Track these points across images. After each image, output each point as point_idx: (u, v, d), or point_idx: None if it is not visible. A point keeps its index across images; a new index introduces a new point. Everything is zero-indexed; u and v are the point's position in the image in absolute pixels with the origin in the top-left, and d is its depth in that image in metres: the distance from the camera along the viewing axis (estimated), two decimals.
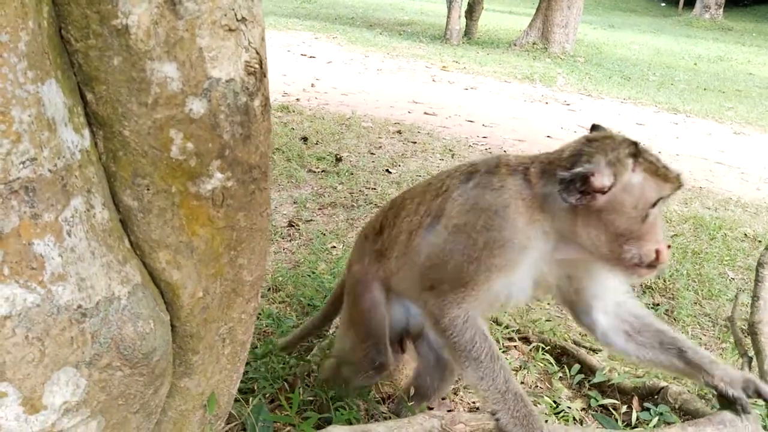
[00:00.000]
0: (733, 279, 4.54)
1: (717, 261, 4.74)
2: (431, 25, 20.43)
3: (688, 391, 2.62)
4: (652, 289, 4.22)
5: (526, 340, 3.26)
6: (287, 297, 3.64)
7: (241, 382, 2.47)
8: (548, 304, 3.76)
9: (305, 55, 13.25)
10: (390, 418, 2.51)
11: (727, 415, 1.95)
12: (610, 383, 2.87)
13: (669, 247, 1.86)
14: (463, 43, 17.40)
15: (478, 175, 2.06)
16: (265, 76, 1.43)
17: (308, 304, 3.51)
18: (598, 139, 1.89)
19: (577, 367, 3.02)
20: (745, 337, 2.82)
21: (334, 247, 4.49)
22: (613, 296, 2.17)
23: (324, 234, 4.69)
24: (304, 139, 6.96)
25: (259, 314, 3.32)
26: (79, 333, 1.18)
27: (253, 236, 1.50)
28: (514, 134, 8.38)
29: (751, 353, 2.75)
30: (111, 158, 1.30)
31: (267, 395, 2.49)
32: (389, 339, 2.43)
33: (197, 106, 1.29)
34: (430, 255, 2.08)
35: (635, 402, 2.73)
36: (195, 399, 1.54)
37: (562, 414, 2.66)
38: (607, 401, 2.77)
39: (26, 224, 1.10)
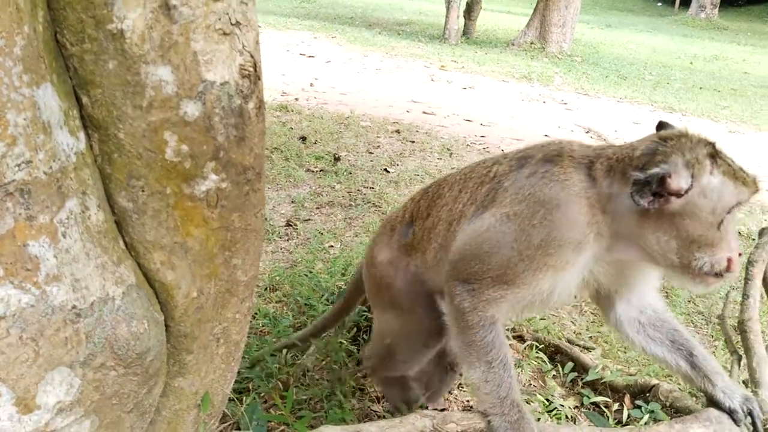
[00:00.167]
0: None
1: None
2: (430, 25, 20.44)
3: (679, 389, 2.64)
4: None
5: (520, 338, 3.28)
6: (284, 296, 3.66)
7: (236, 381, 2.50)
8: None
9: (304, 54, 13.25)
10: (384, 417, 2.53)
11: (713, 412, 1.97)
12: (602, 381, 2.90)
13: (740, 255, 1.75)
14: (462, 42, 17.42)
15: (533, 162, 1.91)
16: (259, 79, 1.45)
17: (305, 304, 3.52)
18: (673, 138, 1.75)
19: (570, 365, 3.04)
20: (736, 334, 2.84)
21: (332, 246, 4.50)
22: (639, 287, 2.09)
23: (322, 233, 4.70)
24: (303, 138, 6.98)
25: (256, 314, 3.34)
26: (74, 333, 1.20)
27: (247, 237, 1.51)
28: (512, 133, 8.40)
29: (741, 351, 2.78)
30: (106, 160, 1.31)
31: (261, 395, 2.51)
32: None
33: (192, 109, 1.30)
34: (472, 245, 1.91)
35: (627, 400, 2.76)
36: (189, 398, 1.55)
37: (554, 412, 2.68)
38: (599, 399, 2.80)
39: (21, 226, 1.12)
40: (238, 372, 2.54)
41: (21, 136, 1.10)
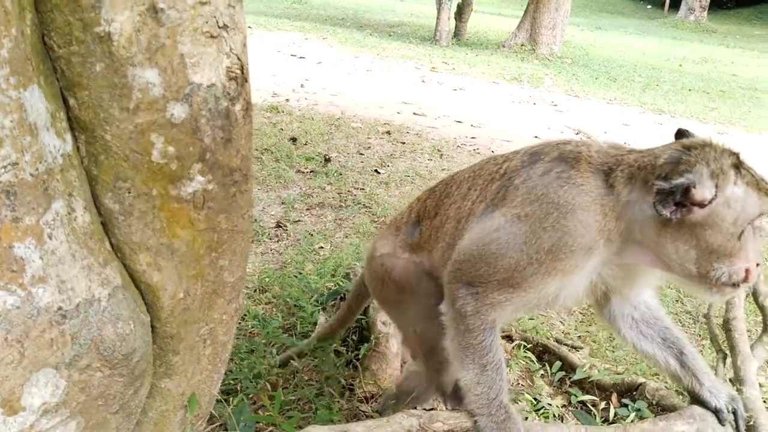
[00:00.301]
0: None
1: None
2: (421, 27, 20.48)
3: (666, 387, 2.67)
4: None
5: (509, 338, 3.30)
6: (273, 298, 3.66)
7: (224, 383, 2.50)
8: None
9: (295, 55, 13.25)
10: (373, 417, 2.54)
11: (697, 409, 2.00)
12: (590, 380, 2.92)
13: (758, 265, 1.73)
14: (453, 44, 17.47)
15: (546, 159, 1.87)
16: (246, 81, 1.46)
17: (294, 305, 3.52)
18: (696, 147, 1.71)
19: (558, 364, 3.07)
20: (722, 333, 2.88)
21: (322, 247, 4.51)
22: (639, 286, 2.07)
23: (312, 234, 4.71)
24: (293, 139, 6.98)
25: (245, 315, 3.35)
26: (59, 334, 1.20)
27: (234, 238, 1.52)
28: (502, 134, 8.44)
29: (726, 349, 2.82)
30: (93, 162, 1.32)
31: (250, 396, 2.51)
32: None
33: (178, 111, 1.31)
34: (479, 245, 1.86)
35: (614, 398, 2.79)
36: (176, 399, 1.56)
37: (542, 411, 2.70)
38: (586, 398, 2.82)
39: (7, 227, 1.12)
40: (227, 373, 2.55)
41: (7, 138, 1.10)
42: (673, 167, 1.67)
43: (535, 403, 2.76)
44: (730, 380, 2.67)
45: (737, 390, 2.50)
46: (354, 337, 3.18)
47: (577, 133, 8.90)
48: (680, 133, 1.95)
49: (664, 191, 1.64)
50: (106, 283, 1.30)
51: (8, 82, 1.11)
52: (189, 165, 1.35)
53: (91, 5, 1.19)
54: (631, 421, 2.54)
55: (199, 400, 1.63)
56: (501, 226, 1.82)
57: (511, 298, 1.82)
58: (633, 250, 1.81)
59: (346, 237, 4.74)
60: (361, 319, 3.16)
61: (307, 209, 5.25)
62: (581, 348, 3.33)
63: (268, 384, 2.61)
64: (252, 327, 3.26)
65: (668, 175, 1.65)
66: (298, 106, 8.67)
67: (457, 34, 18.23)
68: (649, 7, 38.39)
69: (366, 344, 2.99)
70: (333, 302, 3.56)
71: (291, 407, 2.46)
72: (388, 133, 7.79)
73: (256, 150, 6.43)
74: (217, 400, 2.10)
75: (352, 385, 2.81)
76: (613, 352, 3.37)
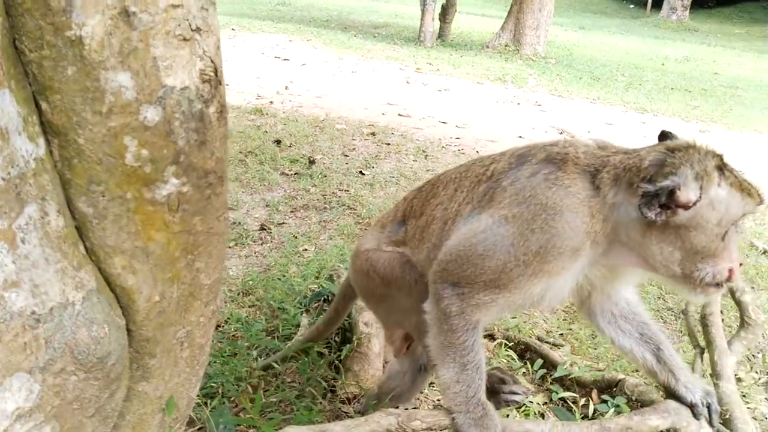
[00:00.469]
0: None
1: None
2: (405, 28, 20.52)
3: (645, 383, 2.70)
4: None
5: (491, 336, 3.32)
6: (257, 301, 3.66)
7: (205, 386, 2.50)
8: None
9: (279, 57, 13.22)
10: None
11: (672, 404, 2.03)
12: (571, 377, 2.95)
13: (741, 264, 1.76)
14: (437, 45, 17.52)
15: (534, 161, 1.87)
16: (220, 84, 1.46)
17: (278, 308, 3.52)
18: (681, 149, 1.72)
19: (540, 362, 3.09)
20: (699, 328, 2.93)
21: (306, 249, 4.51)
22: (620, 283, 2.09)
23: (296, 237, 4.71)
24: (278, 141, 6.97)
25: (228, 318, 3.34)
26: (33, 339, 1.20)
27: (210, 240, 1.53)
28: (487, 135, 8.48)
29: (704, 344, 2.86)
30: (66, 166, 1.32)
31: (231, 399, 2.51)
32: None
33: (151, 114, 1.31)
34: (466, 246, 1.86)
35: (594, 395, 2.81)
36: (153, 403, 1.56)
37: (523, 408, 2.73)
38: (567, 395, 2.85)
39: None
40: (208, 376, 2.55)
41: None
42: (658, 169, 1.68)
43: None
44: (711, 375, 2.72)
45: (714, 384, 2.55)
46: (336, 338, 3.18)
47: (561, 133, 8.97)
48: (664, 135, 1.97)
49: (649, 194, 1.66)
50: (81, 286, 1.30)
51: None
52: (163, 168, 1.35)
53: (62, 9, 1.19)
54: (609, 417, 2.57)
55: (177, 402, 1.63)
56: (488, 227, 1.83)
57: (496, 299, 1.83)
58: (619, 251, 1.83)
59: (331, 239, 4.74)
60: (344, 320, 3.16)
61: (292, 211, 5.25)
62: (562, 345, 3.36)
63: (249, 387, 2.61)
64: (235, 330, 3.25)
65: (653, 177, 1.67)
66: (283, 108, 8.66)
67: (441, 35, 18.29)
68: (631, 6, 38.76)
69: (348, 345, 3.00)
70: (316, 304, 3.57)
71: (272, 409, 2.46)
72: (373, 134, 7.80)
73: (240, 153, 6.42)
74: (198, 404, 2.10)
75: (334, 386, 2.82)
76: (595, 349, 3.40)
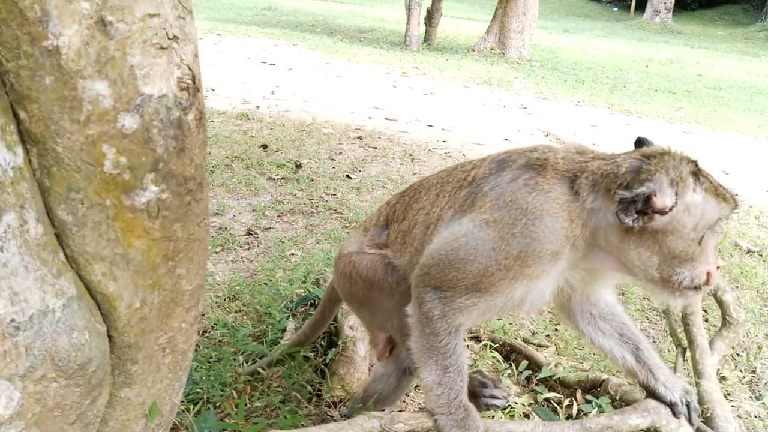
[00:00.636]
0: None
1: None
2: (391, 32, 20.59)
3: (628, 383, 2.73)
4: None
5: (476, 338, 3.35)
6: (244, 306, 3.66)
7: (191, 392, 2.50)
8: None
9: (265, 62, 13.22)
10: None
11: (651, 402, 2.06)
12: (555, 378, 2.98)
13: (718, 268, 1.80)
14: (423, 49, 17.60)
15: (514, 166, 1.90)
16: (198, 91, 1.48)
17: (265, 313, 3.53)
18: (656, 155, 1.76)
19: (525, 363, 3.12)
20: (681, 328, 2.96)
21: (293, 254, 4.52)
22: (599, 286, 2.12)
23: (283, 241, 4.71)
24: (264, 146, 6.97)
25: (214, 324, 3.34)
26: (13, 346, 1.20)
27: (191, 246, 1.53)
28: (473, 138, 8.53)
29: (685, 344, 2.90)
30: (45, 174, 1.32)
31: (217, 404, 2.51)
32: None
33: (129, 122, 1.32)
34: (448, 250, 1.88)
35: (578, 395, 2.84)
36: (136, 409, 1.56)
37: (508, 409, 2.75)
38: (552, 395, 2.88)
39: None
40: (194, 382, 2.55)
41: None
42: (634, 176, 1.71)
43: None
44: (696, 373, 2.75)
45: (696, 383, 2.58)
46: (322, 342, 3.19)
47: (547, 135, 9.04)
48: (639, 142, 2.01)
49: (626, 200, 1.69)
50: (61, 293, 1.31)
51: None
52: (142, 175, 1.36)
53: (38, 19, 1.20)
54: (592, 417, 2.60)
55: (160, 408, 1.64)
56: (469, 231, 1.85)
57: (478, 302, 1.85)
58: (598, 256, 1.86)
59: (318, 243, 4.75)
60: (330, 324, 3.17)
61: (278, 216, 5.26)
62: (548, 347, 3.39)
63: (234, 392, 2.61)
64: (221, 335, 3.25)
65: (629, 184, 1.70)
66: (269, 113, 8.66)
67: (427, 38, 18.38)
68: (615, 9, 39.16)
69: (334, 349, 3.01)
70: (303, 308, 3.58)
71: (257, 414, 2.46)
72: (360, 138, 7.82)
73: (227, 158, 6.42)
74: (183, 409, 2.11)
75: (320, 390, 2.83)
76: (581, 350, 3.44)
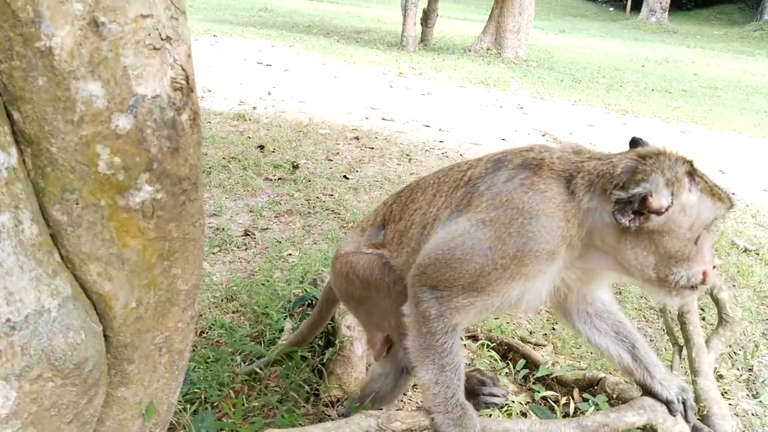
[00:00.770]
0: None
1: None
2: (387, 33, 20.62)
3: (625, 381, 2.74)
4: None
5: (474, 338, 3.36)
6: (241, 306, 3.66)
7: (189, 392, 2.50)
8: None
9: (262, 63, 13.23)
10: None
11: (647, 400, 2.07)
12: (552, 377, 2.99)
13: (714, 267, 1.80)
14: (419, 49, 17.63)
15: (510, 166, 1.91)
16: (192, 92, 1.48)
17: (262, 313, 3.53)
18: (651, 156, 1.77)
19: (522, 362, 3.13)
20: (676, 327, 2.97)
21: (290, 254, 4.52)
22: (596, 285, 2.13)
23: (280, 242, 4.72)
24: (261, 147, 6.98)
25: (212, 324, 3.34)
26: (8, 346, 1.21)
27: (186, 246, 1.54)
28: (470, 138, 8.54)
29: (682, 342, 2.91)
30: (39, 174, 1.33)
31: (215, 404, 2.51)
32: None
33: (123, 122, 1.33)
34: (444, 249, 1.88)
35: (576, 393, 2.85)
36: (133, 408, 1.56)
37: (506, 408, 2.75)
38: (549, 394, 2.88)
39: None
40: (191, 382, 2.56)
41: None
42: (630, 177, 1.72)
43: None
44: (693, 371, 2.76)
45: (692, 381, 2.59)
46: (320, 342, 3.20)
47: (543, 135, 9.06)
48: (634, 142, 2.01)
49: (622, 200, 1.70)
50: (56, 293, 1.31)
51: None
52: (136, 175, 1.36)
53: (31, 20, 1.20)
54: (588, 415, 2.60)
55: (157, 408, 1.64)
56: (466, 231, 1.86)
57: (474, 302, 1.86)
58: (594, 255, 1.87)
59: (315, 243, 4.76)
60: (328, 324, 3.18)
61: (276, 217, 5.26)
62: (545, 346, 3.40)
63: (232, 392, 2.61)
64: (219, 336, 3.25)
65: (625, 184, 1.71)
66: (266, 114, 8.67)
67: (423, 39, 18.41)
68: (611, 9, 39.23)
69: (331, 349, 3.02)
70: (300, 309, 3.58)
71: (255, 414, 2.46)
72: (357, 138, 7.83)
73: (224, 158, 6.42)
74: (180, 409, 2.11)
75: (318, 390, 2.83)
76: (578, 348, 3.44)
